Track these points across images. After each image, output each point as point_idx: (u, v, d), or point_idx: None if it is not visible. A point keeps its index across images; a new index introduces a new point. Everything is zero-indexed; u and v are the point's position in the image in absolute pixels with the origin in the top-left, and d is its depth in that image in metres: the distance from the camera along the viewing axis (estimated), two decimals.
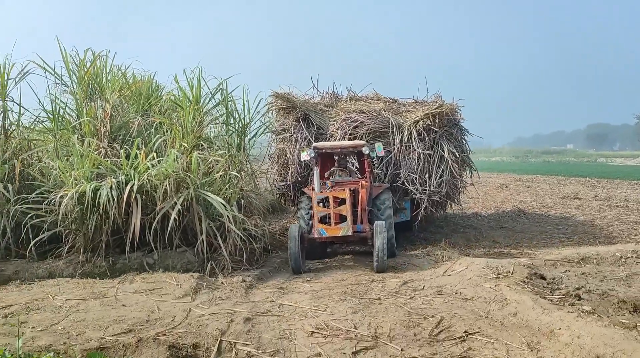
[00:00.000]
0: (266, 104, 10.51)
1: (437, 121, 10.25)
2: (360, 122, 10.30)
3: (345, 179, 8.87)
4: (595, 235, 11.28)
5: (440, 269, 6.85)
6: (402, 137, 10.28)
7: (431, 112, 10.23)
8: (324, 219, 7.69)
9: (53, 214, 7.17)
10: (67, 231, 7.28)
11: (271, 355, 3.75)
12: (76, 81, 9.29)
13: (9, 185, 7.28)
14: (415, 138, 10.16)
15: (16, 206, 7.20)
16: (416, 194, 9.85)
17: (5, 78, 8.27)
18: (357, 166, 10.18)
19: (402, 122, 10.55)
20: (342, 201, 7.69)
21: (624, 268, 6.07)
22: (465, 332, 4.16)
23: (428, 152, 10.12)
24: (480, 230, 12.56)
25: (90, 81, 9.34)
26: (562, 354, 3.64)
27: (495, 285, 5.23)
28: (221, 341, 3.98)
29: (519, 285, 5.18)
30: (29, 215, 7.22)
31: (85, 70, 9.26)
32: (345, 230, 7.53)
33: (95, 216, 7.06)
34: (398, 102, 11.65)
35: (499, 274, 5.70)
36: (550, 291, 5.07)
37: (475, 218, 14.91)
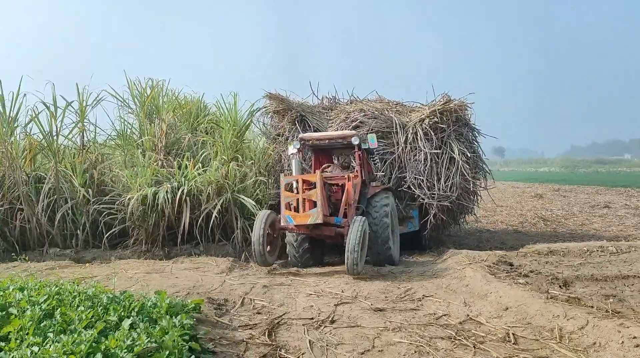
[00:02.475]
0: (261, 108, 10.36)
1: (444, 119, 9.58)
2: (360, 122, 9.75)
3: (334, 174, 8.19)
4: (600, 239, 12.09)
5: (433, 260, 8.18)
6: (406, 137, 9.55)
7: (438, 109, 9.59)
8: (294, 208, 7.01)
9: (122, 213, 9.04)
10: (133, 226, 9.12)
11: (278, 306, 5.26)
12: (139, 105, 11.22)
13: (89, 190, 9.21)
14: (421, 138, 9.44)
15: (94, 206, 9.13)
16: (423, 199, 9.17)
17: (84, 104, 10.28)
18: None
19: (407, 122, 9.84)
20: (314, 187, 6.96)
21: (584, 259, 7.20)
22: (424, 295, 5.55)
23: (436, 151, 9.38)
24: (495, 233, 13.60)
25: (149, 104, 11.26)
26: (484, 307, 4.97)
27: (463, 268, 6.55)
28: (244, 298, 5.53)
29: (482, 268, 6.47)
30: (103, 214, 9.13)
31: (147, 96, 11.20)
32: (314, 217, 6.73)
33: (154, 215, 8.87)
34: (403, 105, 10.94)
35: (472, 261, 6.99)
36: (507, 273, 6.34)
37: (495, 224, 15.91)
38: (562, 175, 58.37)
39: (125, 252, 8.94)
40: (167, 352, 3.19)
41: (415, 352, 3.82)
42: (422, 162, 9.33)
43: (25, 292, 4.01)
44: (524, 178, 47.00)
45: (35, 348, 2.86)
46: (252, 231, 7.03)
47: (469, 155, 9.51)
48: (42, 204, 8.93)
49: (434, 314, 4.88)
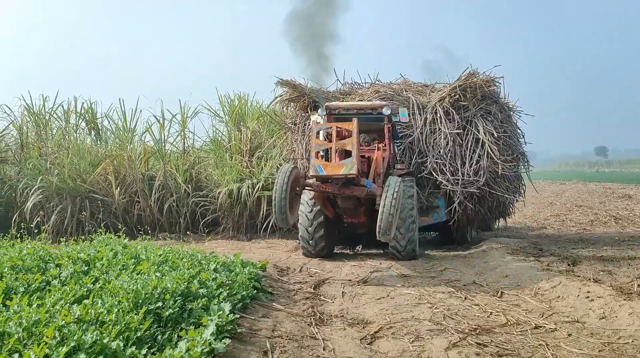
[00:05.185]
0: (277, 97, 10.05)
1: (468, 96, 8.75)
2: None
3: (361, 147, 7.64)
4: None
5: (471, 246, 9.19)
6: (425, 118, 8.76)
7: (459, 86, 8.77)
8: (325, 158, 6.52)
9: (213, 205, 11.05)
10: (222, 216, 11.10)
11: (327, 273, 6.74)
12: (228, 115, 13.28)
13: (189, 185, 11.35)
14: (441, 118, 8.63)
15: (192, 199, 11.24)
16: (447, 185, 8.38)
17: (185, 116, 12.51)
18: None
19: (427, 102, 9.11)
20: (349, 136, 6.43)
21: (610, 246, 7.91)
22: (446, 268, 6.77)
23: (457, 131, 8.56)
24: (559, 229, 13.99)
25: (237, 114, 13.27)
26: (490, 276, 6.09)
27: (490, 250, 7.61)
28: (302, 267, 7.08)
29: (506, 249, 7.49)
30: (199, 205, 11.20)
31: (234, 107, 13.22)
32: (348, 167, 6.13)
33: (238, 206, 10.77)
34: (425, 86, 10.09)
35: (502, 245, 7.99)
36: (526, 254, 7.29)
37: (564, 222, 16.09)
38: None
39: (217, 237, 10.93)
40: (238, 284, 4.81)
41: (417, 297, 5.12)
42: (444, 144, 8.61)
43: (148, 248, 5.88)
44: (623, 179, 44.23)
45: (159, 275, 4.60)
46: (274, 189, 6.30)
47: (497, 135, 8.60)
48: (154, 197, 11.19)
49: (447, 279, 6.10)
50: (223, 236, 10.93)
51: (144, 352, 3.18)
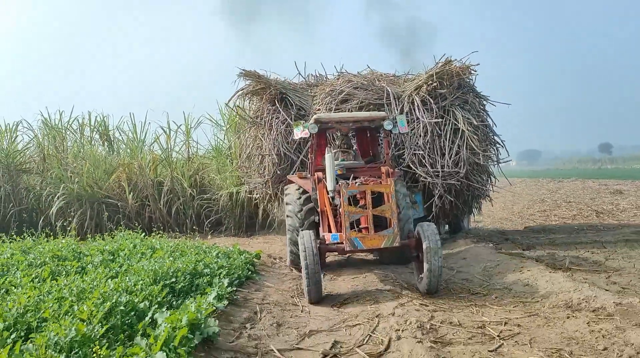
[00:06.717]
0: (238, 90, 9.30)
1: (445, 84, 8.39)
2: (348, 94, 8.63)
3: (355, 165, 6.82)
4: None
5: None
6: (402, 108, 8.40)
7: (435, 73, 8.40)
8: (356, 225, 5.59)
9: (216, 206, 12.16)
10: (224, 216, 12.21)
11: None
12: (228, 123, 14.38)
13: (194, 189, 12.48)
14: (418, 107, 8.23)
15: (197, 202, 12.36)
16: (426, 178, 7.90)
17: (189, 127, 13.65)
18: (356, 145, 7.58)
19: (401, 92, 8.74)
20: (379, 198, 5.63)
21: (568, 234, 8.94)
22: None
23: (436, 121, 8.16)
24: (542, 224, 15.01)
25: (236, 122, 14.37)
26: (451, 259, 7.16)
27: (460, 239, 8.65)
28: None
29: (472, 238, 8.54)
30: (204, 207, 12.32)
31: (234, 116, 14.32)
32: (390, 240, 5.30)
33: (238, 208, 11.86)
34: (397, 76, 9.71)
35: (472, 235, 9.04)
36: (488, 241, 8.34)
37: (549, 217, 17.08)
38: None
39: (220, 235, 12.04)
40: (235, 267, 5.91)
41: (384, 276, 6.19)
42: (422, 135, 8.14)
43: (161, 240, 7.00)
44: (624, 175, 44.80)
45: (171, 259, 5.70)
46: (302, 263, 5.25)
47: (476, 124, 8.22)
48: (163, 201, 12.32)
49: None
50: (226, 234, 12.03)
51: (164, 309, 4.28)
